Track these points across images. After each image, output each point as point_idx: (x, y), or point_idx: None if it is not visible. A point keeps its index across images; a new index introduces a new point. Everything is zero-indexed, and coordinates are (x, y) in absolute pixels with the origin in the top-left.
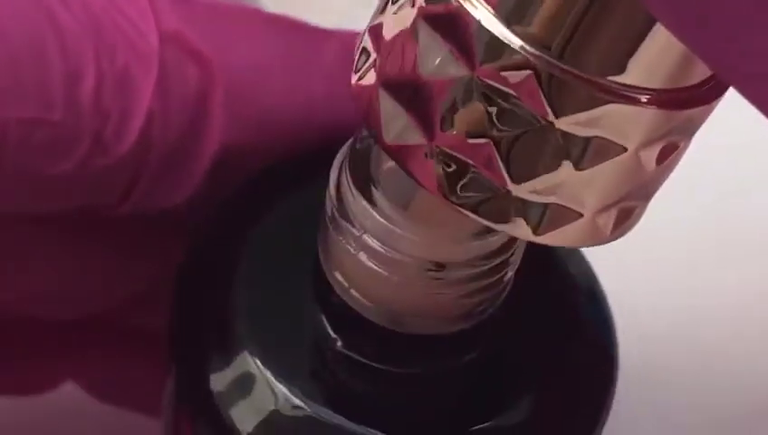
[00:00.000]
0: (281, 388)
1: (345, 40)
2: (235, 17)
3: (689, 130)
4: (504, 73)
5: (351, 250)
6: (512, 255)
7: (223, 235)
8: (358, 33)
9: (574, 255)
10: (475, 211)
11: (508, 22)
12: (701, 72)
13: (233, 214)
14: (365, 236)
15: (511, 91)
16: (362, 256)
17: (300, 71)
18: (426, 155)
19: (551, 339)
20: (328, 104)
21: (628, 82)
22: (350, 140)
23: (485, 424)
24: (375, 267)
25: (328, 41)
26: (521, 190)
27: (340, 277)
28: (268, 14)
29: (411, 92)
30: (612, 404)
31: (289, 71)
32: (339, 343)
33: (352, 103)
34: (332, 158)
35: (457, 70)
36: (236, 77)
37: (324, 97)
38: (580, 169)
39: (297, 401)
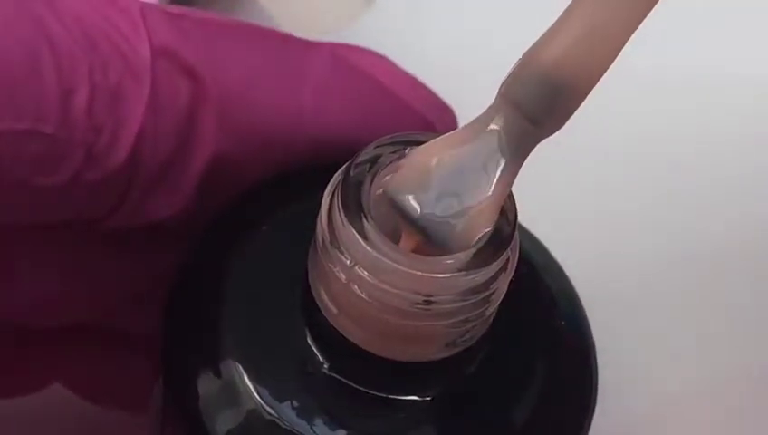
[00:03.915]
0: (262, 402)
1: (334, 52)
2: (226, 31)
3: None
4: None
5: (341, 279)
6: (496, 289)
7: (215, 247)
8: (346, 45)
9: (555, 273)
10: None
11: None
12: None
13: (225, 227)
14: (356, 268)
15: None
16: (352, 286)
17: (289, 83)
18: None
19: (533, 360)
20: (317, 116)
21: None
22: (344, 166)
23: None
24: (364, 297)
25: (317, 53)
26: None
27: (327, 301)
28: (257, 27)
29: None
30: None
31: (278, 83)
32: (323, 364)
33: (341, 115)
34: (323, 171)
35: None
36: (227, 91)
37: (313, 109)
38: None
39: (276, 416)
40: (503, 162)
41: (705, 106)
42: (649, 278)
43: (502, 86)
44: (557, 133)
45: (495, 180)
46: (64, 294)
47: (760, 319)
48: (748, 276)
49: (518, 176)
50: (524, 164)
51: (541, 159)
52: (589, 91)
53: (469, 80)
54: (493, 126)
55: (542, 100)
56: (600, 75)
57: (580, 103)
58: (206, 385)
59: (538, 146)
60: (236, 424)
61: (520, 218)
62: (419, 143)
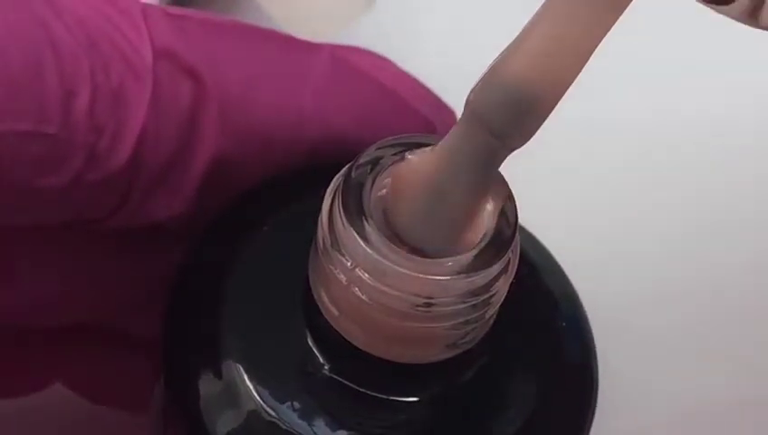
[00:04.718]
0: (263, 403)
1: (335, 53)
2: (227, 32)
3: None
4: None
5: (342, 280)
6: (497, 291)
7: (216, 248)
8: (347, 46)
9: (556, 275)
10: None
11: None
12: None
13: (226, 227)
14: (356, 270)
15: None
16: (352, 288)
17: (290, 84)
18: None
19: (534, 362)
20: (317, 117)
21: None
22: (345, 168)
23: None
24: (364, 299)
25: (317, 54)
26: None
27: (328, 302)
28: (258, 28)
29: None
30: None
31: (279, 85)
32: (324, 365)
33: (341, 116)
34: (324, 172)
35: None
36: (228, 92)
37: (314, 110)
38: None
39: (277, 417)
40: (472, 176)
41: (710, 110)
42: (651, 280)
43: (468, 98)
44: (559, 134)
45: (467, 194)
46: (65, 294)
47: (759, 331)
48: (749, 286)
49: (519, 177)
50: (526, 166)
51: (542, 161)
52: (555, 105)
53: (469, 80)
54: (458, 140)
55: (507, 114)
56: (566, 88)
57: (547, 116)
58: (207, 386)
59: (540, 147)
60: (237, 425)
61: (521, 220)
62: (421, 145)
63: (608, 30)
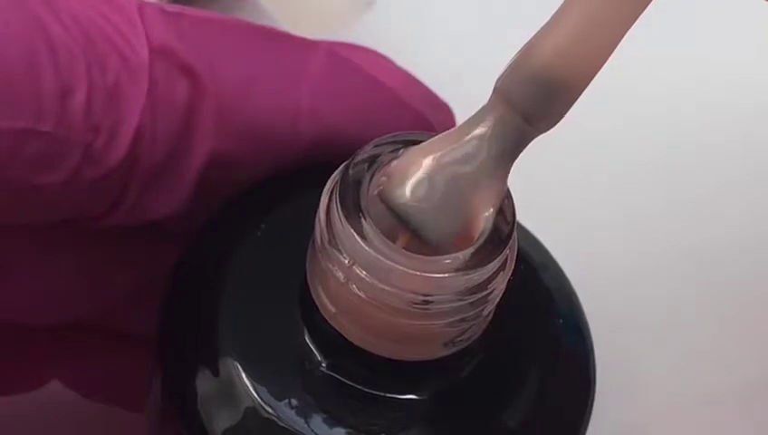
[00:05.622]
0: (260, 400)
1: (333, 50)
2: (224, 30)
3: None
4: None
5: (340, 278)
6: (495, 288)
7: (213, 246)
8: (345, 44)
9: (554, 272)
10: None
11: None
12: None
13: (223, 225)
14: (354, 267)
15: None
16: (350, 285)
17: (287, 82)
18: None
19: (531, 359)
20: (314, 115)
21: None
22: (343, 166)
23: None
24: (362, 296)
25: (314, 52)
26: None
27: (325, 300)
28: (255, 25)
29: None
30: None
31: (276, 83)
32: (321, 362)
33: (339, 115)
34: (321, 170)
35: None
36: (225, 90)
37: (311, 108)
38: None
39: (274, 414)
40: (495, 160)
41: (705, 110)
42: (649, 278)
43: (496, 84)
44: (560, 132)
45: (489, 178)
46: (63, 292)
47: (754, 332)
48: (748, 285)
49: (518, 175)
50: (524, 163)
51: (540, 158)
52: (583, 90)
53: (468, 79)
54: (487, 124)
55: (536, 98)
56: (594, 74)
57: (574, 102)
58: (204, 384)
59: (538, 146)
60: (234, 422)
61: (519, 218)
62: (418, 143)
63: (637, 15)
